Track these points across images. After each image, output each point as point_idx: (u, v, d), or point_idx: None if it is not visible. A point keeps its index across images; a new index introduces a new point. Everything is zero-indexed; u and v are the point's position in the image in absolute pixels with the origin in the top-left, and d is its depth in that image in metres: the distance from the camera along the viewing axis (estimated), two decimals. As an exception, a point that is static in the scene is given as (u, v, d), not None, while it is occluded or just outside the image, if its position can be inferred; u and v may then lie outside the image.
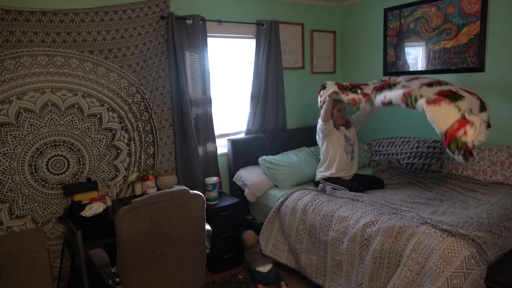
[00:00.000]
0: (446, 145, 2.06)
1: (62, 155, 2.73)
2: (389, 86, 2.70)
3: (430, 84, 2.45)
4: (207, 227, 2.28)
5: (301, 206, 2.84)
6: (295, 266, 2.83)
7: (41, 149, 2.64)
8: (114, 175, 2.97)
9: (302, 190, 3.05)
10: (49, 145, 2.67)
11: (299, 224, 2.80)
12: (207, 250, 2.19)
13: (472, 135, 2.01)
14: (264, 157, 3.41)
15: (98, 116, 2.85)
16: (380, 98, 2.60)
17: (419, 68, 3.58)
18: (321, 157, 3.23)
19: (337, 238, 2.50)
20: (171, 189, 2.01)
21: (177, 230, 1.97)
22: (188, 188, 2.03)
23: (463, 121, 2.06)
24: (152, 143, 3.13)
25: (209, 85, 3.28)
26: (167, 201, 1.93)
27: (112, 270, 2.00)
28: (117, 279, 1.91)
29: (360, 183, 3.06)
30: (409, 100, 2.35)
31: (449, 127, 2.08)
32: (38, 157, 2.64)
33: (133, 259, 1.88)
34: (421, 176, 3.27)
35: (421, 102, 2.26)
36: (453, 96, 2.23)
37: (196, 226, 2.06)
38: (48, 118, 2.65)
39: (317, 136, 3.23)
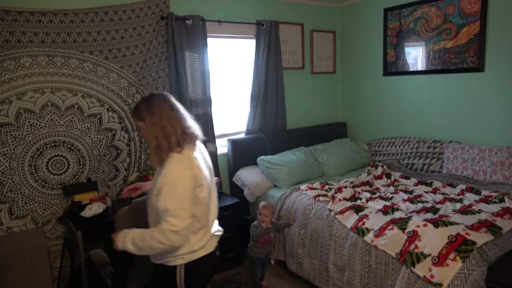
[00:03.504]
0: (402, 261, 2.11)
1: (62, 156, 2.73)
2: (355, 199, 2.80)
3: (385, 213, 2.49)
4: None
5: (301, 209, 2.84)
6: (297, 270, 2.84)
7: (41, 150, 2.64)
8: (114, 175, 2.97)
9: (298, 191, 3.06)
10: (49, 145, 2.67)
11: (300, 228, 2.80)
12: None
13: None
14: (262, 157, 3.41)
15: (98, 116, 2.84)
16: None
17: (419, 68, 3.58)
18: None
19: (338, 243, 2.49)
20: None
21: (177, 231, 1.97)
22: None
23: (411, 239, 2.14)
24: (152, 143, 3.12)
25: (209, 85, 3.28)
26: (167, 202, 1.92)
27: (112, 270, 2.00)
28: (117, 280, 1.91)
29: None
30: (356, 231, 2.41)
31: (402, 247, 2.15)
32: (38, 157, 2.64)
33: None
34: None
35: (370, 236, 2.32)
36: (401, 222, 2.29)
37: (196, 226, 2.06)
38: (48, 119, 2.65)
39: None
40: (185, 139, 1.59)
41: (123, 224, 1.81)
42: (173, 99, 1.67)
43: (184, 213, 1.52)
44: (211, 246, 1.70)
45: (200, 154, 1.68)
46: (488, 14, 3.04)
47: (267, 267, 2.91)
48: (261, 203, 2.78)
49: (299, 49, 4.02)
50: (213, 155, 3.39)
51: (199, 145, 1.73)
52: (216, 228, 1.79)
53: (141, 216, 1.85)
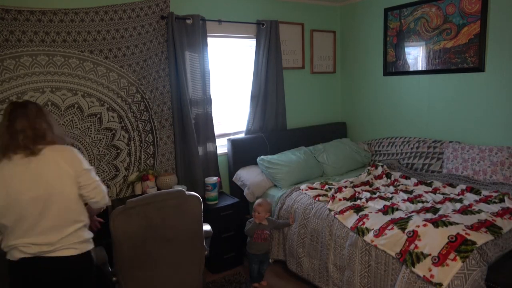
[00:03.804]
0: (402, 260, 2.11)
1: (61, 155, 2.73)
2: (355, 199, 2.80)
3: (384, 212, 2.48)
4: (208, 228, 2.27)
5: (300, 209, 2.84)
6: (297, 270, 2.83)
7: (41, 149, 2.64)
8: (114, 175, 2.97)
9: (298, 191, 3.06)
10: (48, 144, 2.67)
11: (300, 228, 2.80)
12: (206, 252, 2.17)
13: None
14: (262, 156, 3.40)
15: (98, 116, 2.84)
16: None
17: (419, 68, 3.57)
18: None
19: (338, 243, 2.49)
20: (167, 190, 2.01)
21: (173, 231, 1.96)
22: (185, 189, 2.02)
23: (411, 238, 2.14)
24: (152, 143, 3.13)
25: (209, 85, 3.28)
26: (162, 202, 1.92)
27: (111, 269, 2.00)
28: (114, 278, 1.92)
29: None
30: (356, 231, 2.41)
31: (402, 247, 2.14)
32: (38, 156, 2.64)
33: (128, 259, 1.88)
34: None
35: (370, 236, 2.32)
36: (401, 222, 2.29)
37: (193, 227, 2.05)
38: (48, 118, 2.64)
39: None
40: (12, 149, 1.60)
41: (117, 223, 1.81)
42: (25, 108, 1.66)
43: None
44: (13, 256, 1.61)
45: (23, 166, 1.60)
46: (488, 14, 3.03)
47: (266, 266, 2.90)
48: (257, 200, 2.84)
49: (299, 49, 4.02)
50: (213, 155, 3.39)
51: (44, 155, 1.63)
52: (30, 242, 1.61)
53: (136, 215, 1.85)
